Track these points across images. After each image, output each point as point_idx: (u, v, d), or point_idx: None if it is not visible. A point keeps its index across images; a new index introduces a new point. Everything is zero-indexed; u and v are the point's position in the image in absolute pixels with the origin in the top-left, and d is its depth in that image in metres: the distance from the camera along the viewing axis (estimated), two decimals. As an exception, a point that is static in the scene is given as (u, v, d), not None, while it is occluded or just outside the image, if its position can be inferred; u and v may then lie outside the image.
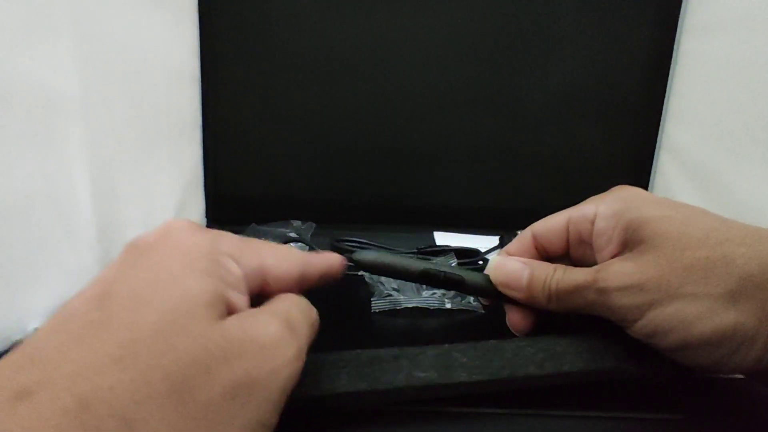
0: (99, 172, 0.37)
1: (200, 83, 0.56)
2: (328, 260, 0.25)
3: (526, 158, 0.60)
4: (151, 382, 0.15)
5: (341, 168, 0.60)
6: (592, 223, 0.26)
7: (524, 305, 0.27)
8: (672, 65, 0.58)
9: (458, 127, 0.59)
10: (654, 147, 0.60)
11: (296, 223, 0.56)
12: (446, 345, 0.25)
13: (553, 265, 0.26)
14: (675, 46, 0.57)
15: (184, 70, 0.53)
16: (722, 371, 0.21)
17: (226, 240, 0.21)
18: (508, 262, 0.27)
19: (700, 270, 0.21)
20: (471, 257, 0.45)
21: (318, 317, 0.22)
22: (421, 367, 0.23)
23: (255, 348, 0.18)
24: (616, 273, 0.23)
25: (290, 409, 0.20)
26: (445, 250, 0.46)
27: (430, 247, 0.48)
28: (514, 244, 0.30)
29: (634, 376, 0.24)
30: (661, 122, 0.60)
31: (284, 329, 0.19)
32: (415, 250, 0.45)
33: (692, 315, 0.20)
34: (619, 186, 0.27)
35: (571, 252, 0.28)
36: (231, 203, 0.60)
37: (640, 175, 0.61)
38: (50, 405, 0.14)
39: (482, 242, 0.50)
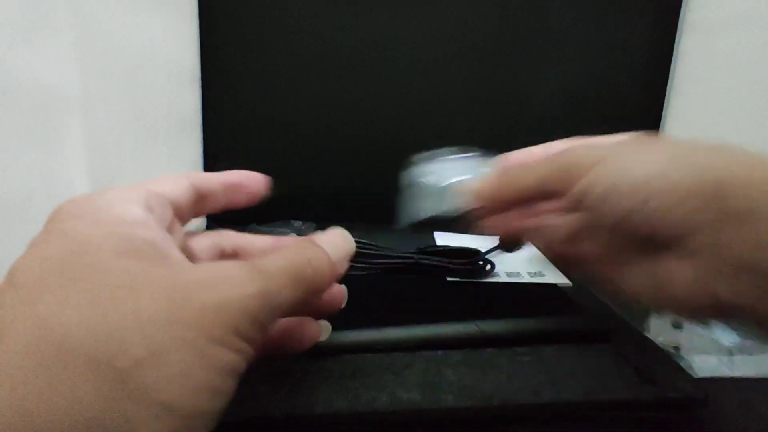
0: (98, 169, 0.36)
1: (200, 82, 0.56)
2: (233, 175, 0.23)
3: (526, 158, 0.60)
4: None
5: (341, 168, 0.60)
6: None
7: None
8: (672, 65, 0.58)
9: (458, 128, 0.59)
10: (654, 147, 0.60)
11: (296, 223, 0.56)
12: (440, 353, 0.24)
13: None
14: (675, 46, 0.57)
15: (184, 69, 0.53)
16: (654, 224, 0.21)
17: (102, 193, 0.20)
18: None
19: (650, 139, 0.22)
20: (470, 257, 0.45)
21: (323, 271, 0.20)
22: (405, 385, 0.21)
23: (201, 280, 0.17)
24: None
25: (267, 426, 0.19)
26: (445, 250, 0.46)
27: (430, 247, 0.48)
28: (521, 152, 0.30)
29: (639, 408, 0.23)
30: (662, 122, 0.60)
31: (243, 267, 0.18)
32: (415, 250, 0.45)
33: (631, 158, 0.22)
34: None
35: None
36: (231, 203, 0.60)
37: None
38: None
39: (482, 242, 0.50)
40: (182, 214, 0.22)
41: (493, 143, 0.60)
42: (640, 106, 0.59)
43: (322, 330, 0.22)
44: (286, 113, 0.59)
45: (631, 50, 0.58)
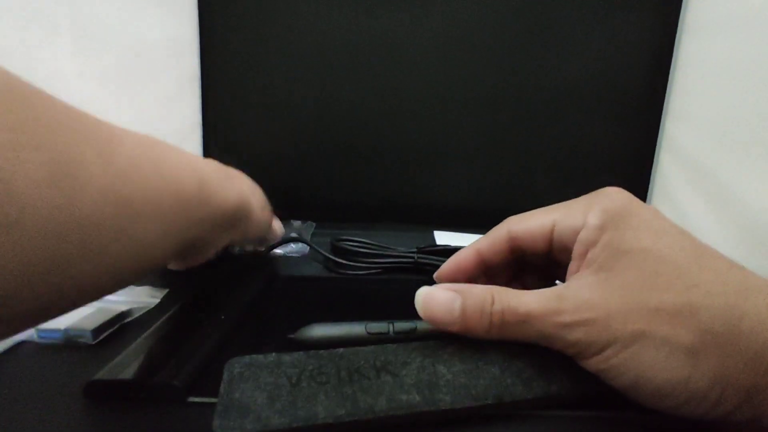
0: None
1: (200, 83, 0.56)
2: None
3: (527, 158, 0.60)
4: None
5: (341, 167, 0.60)
6: (578, 232, 0.24)
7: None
8: (672, 65, 0.58)
9: (459, 126, 0.59)
10: (654, 146, 0.60)
11: (296, 222, 0.56)
12: (432, 342, 0.24)
13: (491, 290, 0.23)
14: (675, 46, 0.57)
15: (184, 70, 0.53)
16: (667, 413, 0.21)
17: None
18: (437, 293, 0.24)
19: (665, 315, 0.20)
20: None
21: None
22: (404, 386, 0.22)
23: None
24: (579, 304, 0.21)
25: None
26: (445, 250, 0.46)
27: (430, 246, 0.48)
28: (484, 240, 0.27)
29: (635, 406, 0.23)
30: (662, 122, 0.60)
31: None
32: (415, 250, 0.45)
33: (648, 360, 0.20)
34: (610, 190, 0.25)
35: (553, 255, 0.26)
36: (231, 203, 0.60)
37: (641, 175, 0.61)
38: None
39: (482, 242, 0.50)
40: None
41: (493, 142, 0.60)
42: (641, 106, 0.60)
43: None
44: (286, 114, 0.59)
45: (631, 50, 0.58)
